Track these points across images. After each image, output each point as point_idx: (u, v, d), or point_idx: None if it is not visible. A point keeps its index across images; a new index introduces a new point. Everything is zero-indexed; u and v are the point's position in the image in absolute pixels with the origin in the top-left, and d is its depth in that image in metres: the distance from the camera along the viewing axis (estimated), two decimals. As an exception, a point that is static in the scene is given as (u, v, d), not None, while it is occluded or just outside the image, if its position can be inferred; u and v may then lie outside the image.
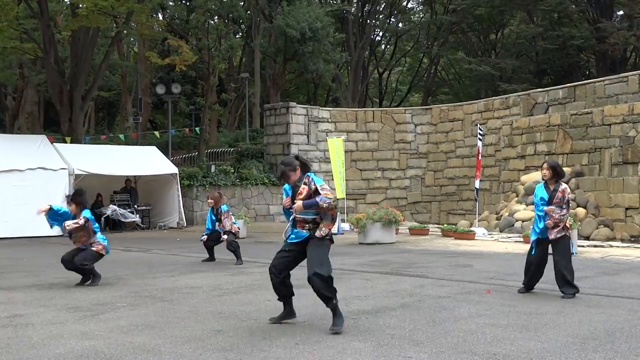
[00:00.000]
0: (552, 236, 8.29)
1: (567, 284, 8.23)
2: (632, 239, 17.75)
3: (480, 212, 22.18)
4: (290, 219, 6.50)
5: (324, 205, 6.25)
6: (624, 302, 7.92)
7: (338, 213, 6.16)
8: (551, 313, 7.23)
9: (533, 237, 8.53)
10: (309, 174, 6.45)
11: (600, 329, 6.46)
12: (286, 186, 6.61)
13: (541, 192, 8.44)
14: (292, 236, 6.49)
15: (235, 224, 12.97)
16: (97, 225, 9.76)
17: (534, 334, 6.25)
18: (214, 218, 12.75)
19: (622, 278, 10.15)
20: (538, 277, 8.55)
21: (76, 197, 9.53)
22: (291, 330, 6.39)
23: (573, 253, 8.52)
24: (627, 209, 18.56)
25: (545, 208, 8.30)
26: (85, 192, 9.98)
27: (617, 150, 19.07)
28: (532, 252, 8.48)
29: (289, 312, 6.76)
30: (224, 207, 12.73)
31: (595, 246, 15.46)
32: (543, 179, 8.52)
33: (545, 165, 8.52)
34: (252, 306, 7.69)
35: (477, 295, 8.49)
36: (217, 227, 12.69)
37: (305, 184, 6.39)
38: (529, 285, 8.59)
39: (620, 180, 18.71)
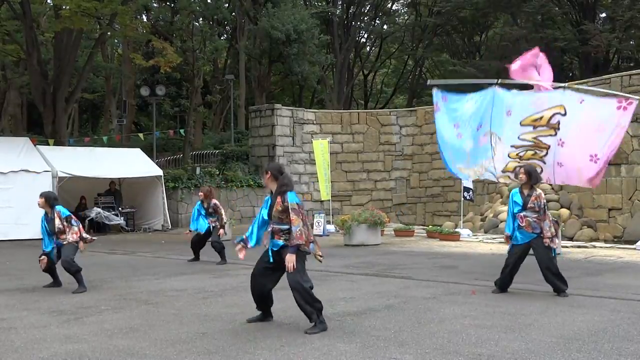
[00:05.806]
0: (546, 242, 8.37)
1: (559, 280, 8.28)
2: (615, 240, 17.90)
3: (465, 213, 22.28)
4: (269, 230, 6.65)
5: (297, 237, 6.36)
6: (607, 303, 7.98)
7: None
8: (535, 313, 7.28)
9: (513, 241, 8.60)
10: (288, 193, 6.51)
11: (584, 329, 6.51)
12: (267, 198, 6.74)
13: (516, 198, 8.53)
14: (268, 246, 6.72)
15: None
16: (68, 213, 9.46)
17: (518, 334, 6.28)
18: (202, 212, 12.73)
19: (605, 278, 10.25)
20: (511, 279, 8.65)
21: (50, 199, 9.39)
22: (277, 332, 6.39)
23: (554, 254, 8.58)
24: (610, 209, 18.72)
25: (518, 215, 8.41)
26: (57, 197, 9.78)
27: (600, 152, 19.21)
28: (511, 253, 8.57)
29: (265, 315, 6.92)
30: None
31: (579, 247, 15.55)
32: (519, 184, 8.62)
33: (522, 170, 8.59)
34: (237, 308, 7.67)
35: (462, 296, 8.53)
36: (209, 223, 12.65)
37: (279, 194, 6.51)
38: (502, 286, 8.67)
39: (604, 181, 18.85)
